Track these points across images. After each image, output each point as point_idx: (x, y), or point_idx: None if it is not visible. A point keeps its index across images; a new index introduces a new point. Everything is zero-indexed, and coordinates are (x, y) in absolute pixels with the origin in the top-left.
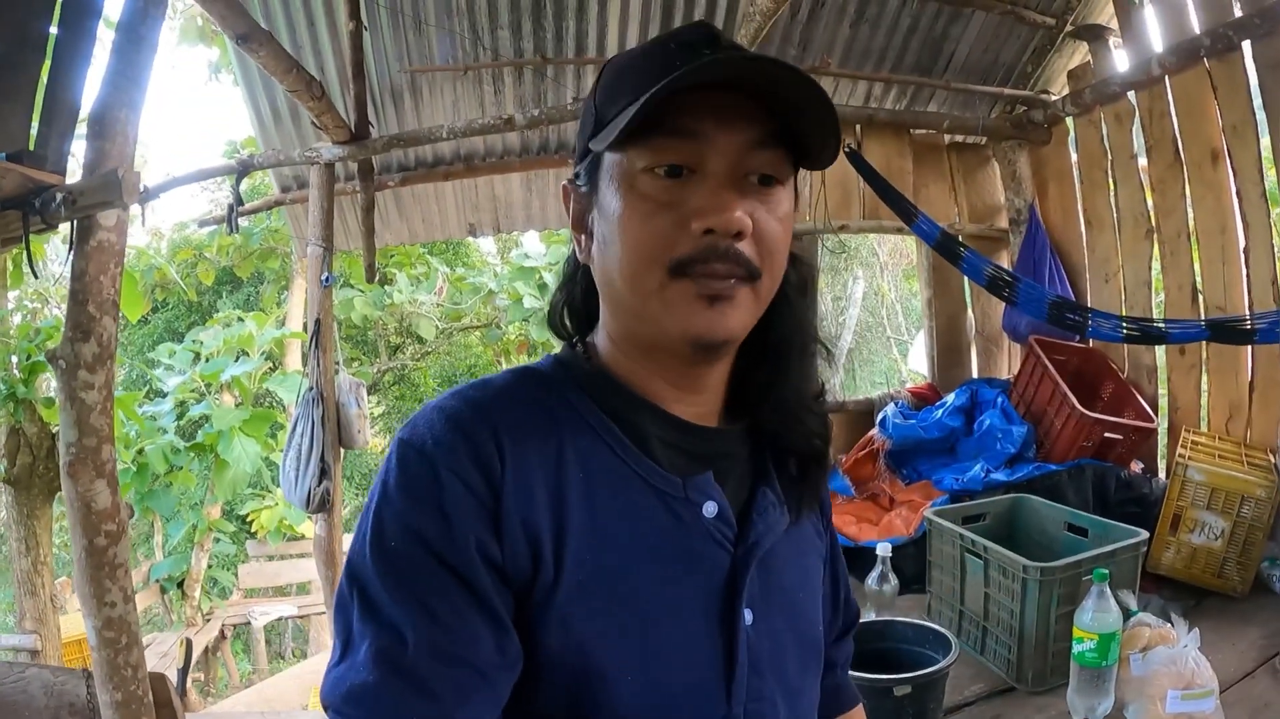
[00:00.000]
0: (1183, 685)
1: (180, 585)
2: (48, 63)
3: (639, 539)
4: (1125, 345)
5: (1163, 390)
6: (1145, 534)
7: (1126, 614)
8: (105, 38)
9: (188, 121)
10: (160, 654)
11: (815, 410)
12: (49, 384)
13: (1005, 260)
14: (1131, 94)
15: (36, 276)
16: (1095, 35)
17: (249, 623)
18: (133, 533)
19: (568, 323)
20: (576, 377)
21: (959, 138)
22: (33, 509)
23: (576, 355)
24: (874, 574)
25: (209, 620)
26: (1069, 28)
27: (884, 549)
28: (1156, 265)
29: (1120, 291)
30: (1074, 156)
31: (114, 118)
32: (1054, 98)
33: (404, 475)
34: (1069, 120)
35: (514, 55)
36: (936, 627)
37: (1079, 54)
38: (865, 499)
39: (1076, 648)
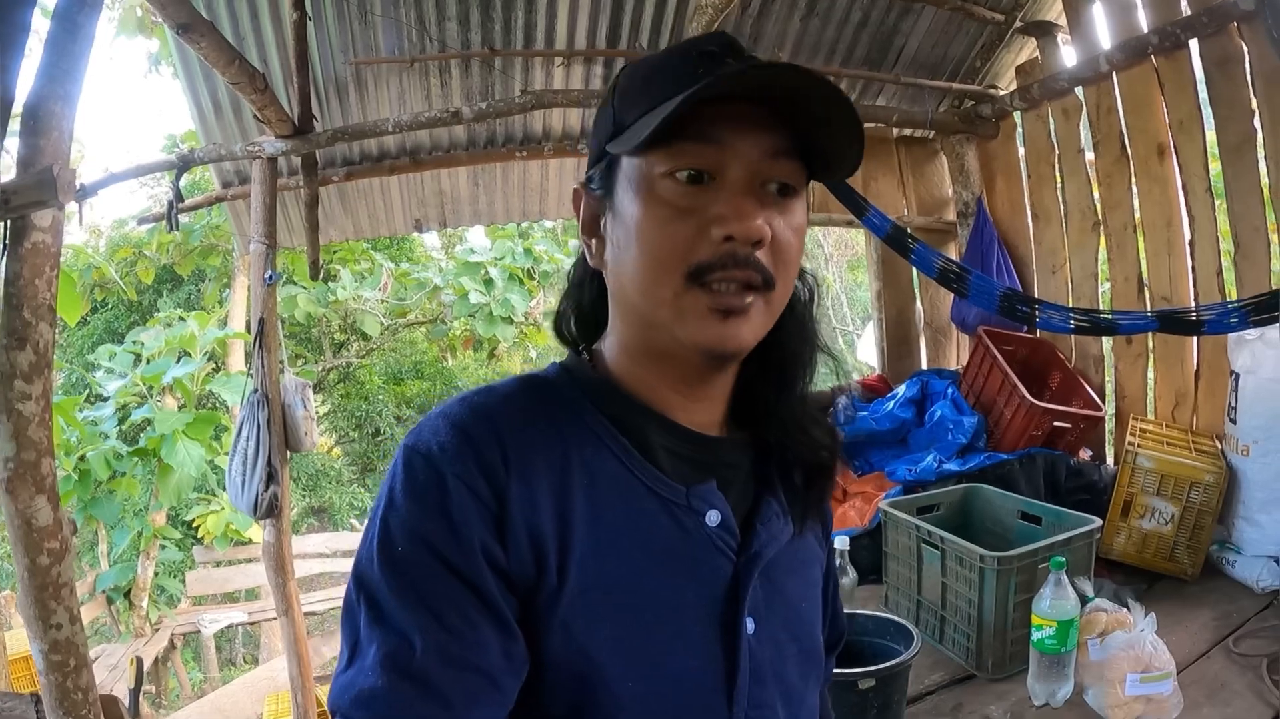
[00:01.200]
0: (1141, 668)
1: (127, 595)
2: None
3: (642, 546)
4: (1073, 336)
5: (1109, 379)
6: (1099, 521)
7: (1083, 600)
8: (40, 28)
9: (126, 115)
10: (110, 667)
11: (822, 421)
12: None
13: (953, 252)
14: (1079, 90)
15: None
16: (1044, 31)
17: (199, 631)
18: (77, 542)
19: (574, 330)
20: (583, 384)
21: (907, 132)
22: None
23: (582, 363)
24: None
25: (158, 630)
26: (1018, 24)
27: (841, 542)
28: (1103, 257)
29: (1067, 283)
30: (1021, 151)
31: (48, 112)
32: (1002, 93)
33: (410, 482)
34: (1016, 115)
35: (461, 47)
36: (897, 618)
37: (1027, 50)
38: None
39: (1035, 635)
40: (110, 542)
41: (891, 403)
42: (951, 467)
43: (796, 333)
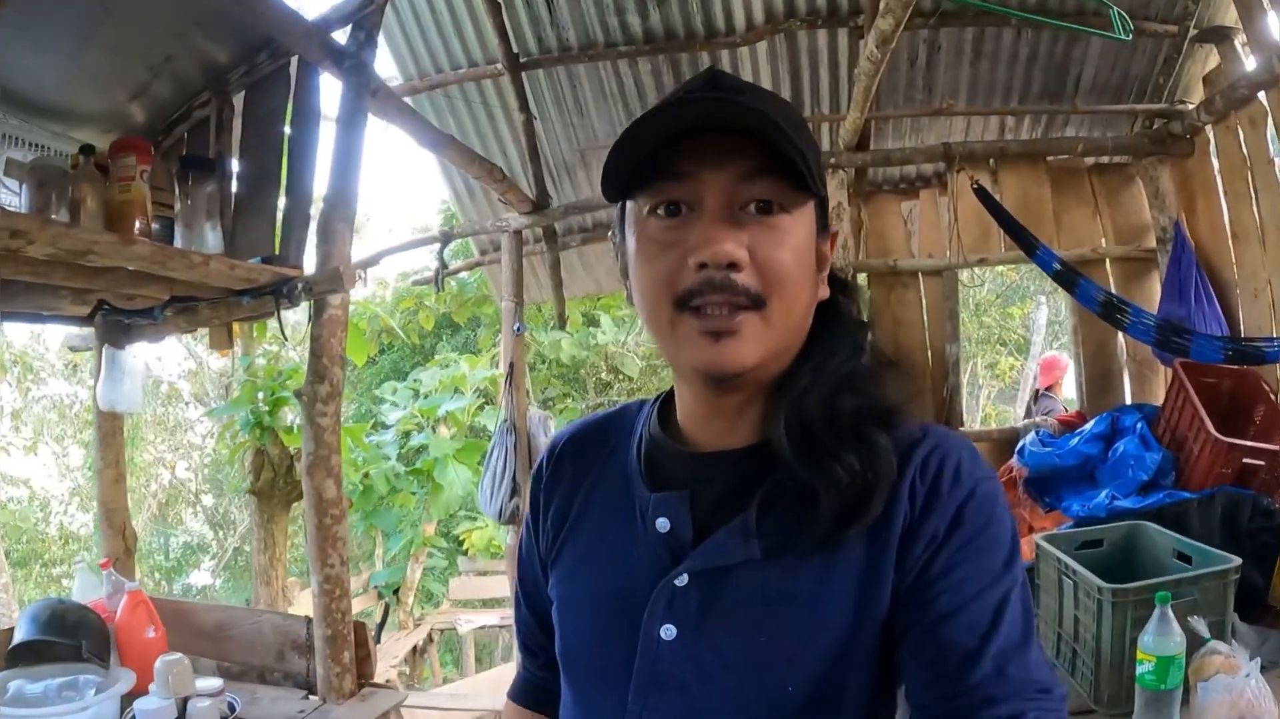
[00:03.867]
0: (1237, 715)
1: (396, 593)
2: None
3: (603, 539)
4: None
5: None
6: (1237, 561)
7: (1200, 641)
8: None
9: (407, 185)
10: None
11: (859, 448)
12: (289, 415)
13: (1155, 282)
14: (1262, 94)
15: (286, 339)
16: (1221, 37)
17: (455, 629)
18: (357, 550)
19: None
20: (653, 405)
21: (1102, 159)
22: (272, 515)
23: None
24: None
25: (419, 624)
26: (1192, 32)
27: None
28: None
29: (1270, 307)
30: (1216, 166)
31: (333, 229)
32: (1191, 107)
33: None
34: (1209, 129)
35: None
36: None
37: (1214, 59)
38: None
39: (1139, 669)
40: (386, 547)
41: (1077, 438)
42: (1125, 504)
43: (823, 349)
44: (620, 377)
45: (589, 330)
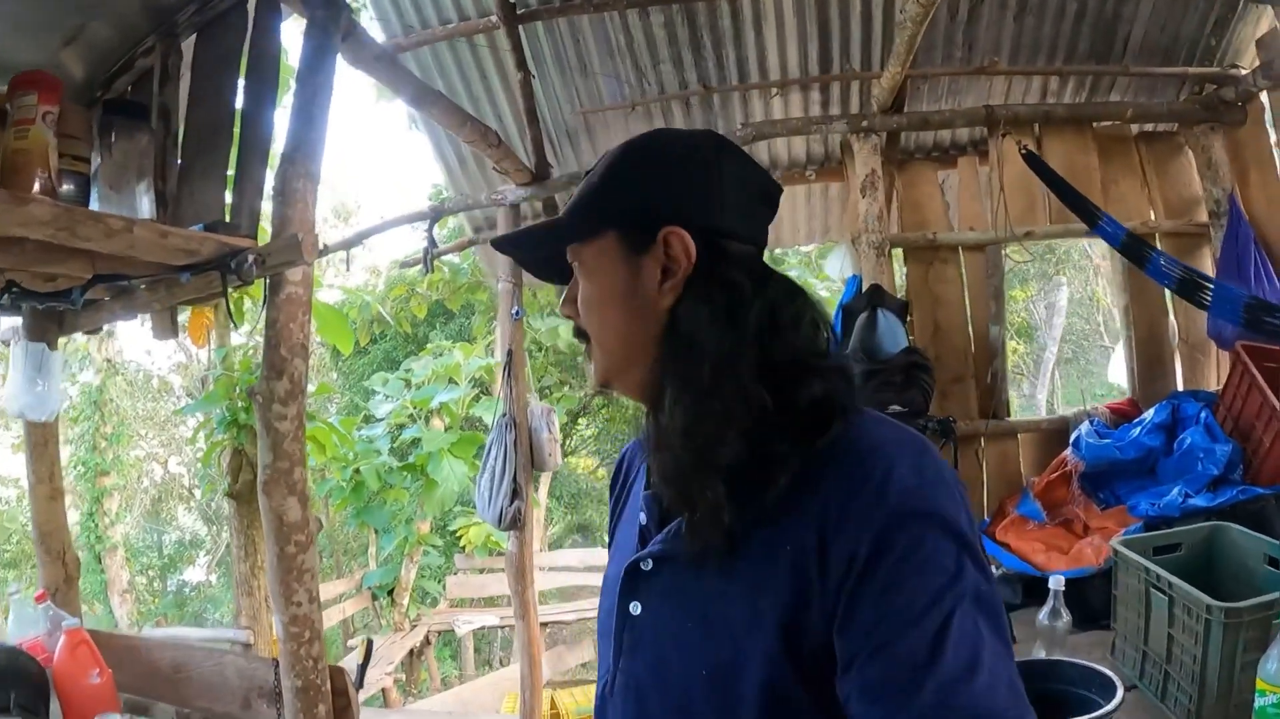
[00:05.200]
0: None
1: (390, 593)
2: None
3: (625, 529)
4: None
5: None
6: None
7: None
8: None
9: (395, 166)
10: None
11: (671, 449)
12: None
13: (1208, 258)
14: None
15: (237, 327)
16: None
17: (454, 630)
18: (352, 546)
19: None
20: None
21: (1147, 127)
22: (252, 520)
23: None
24: (1046, 609)
25: (415, 626)
26: None
27: (1056, 582)
28: None
29: None
30: (1274, 136)
31: (293, 188)
32: (1244, 72)
33: None
34: (1263, 96)
35: (678, 88)
36: (1104, 669)
37: (1267, 20)
38: (1057, 525)
39: (1259, 702)
40: (379, 545)
41: (1138, 429)
42: (1199, 502)
43: (667, 364)
44: None
45: None
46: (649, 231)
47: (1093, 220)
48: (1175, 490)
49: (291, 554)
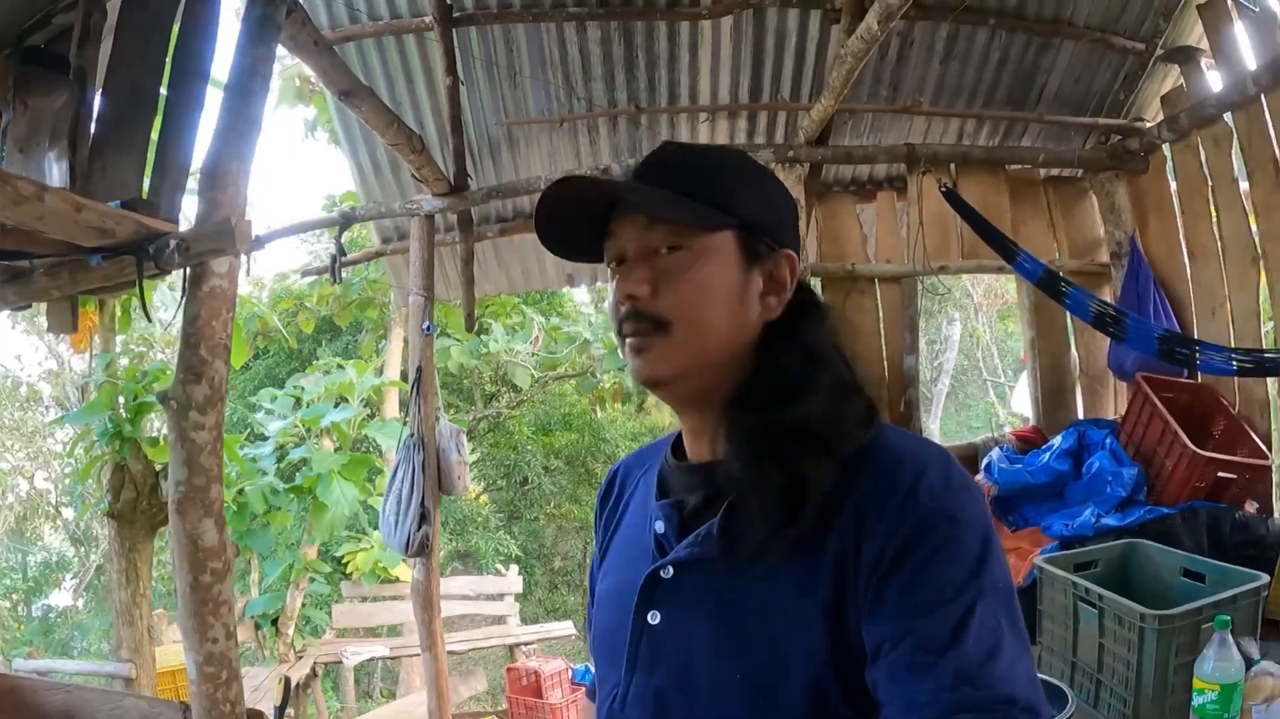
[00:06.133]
0: None
1: (274, 622)
2: (159, 119)
3: (627, 543)
4: (1236, 380)
5: (1275, 426)
6: (1266, 578)
7: (1248, 663)
8: (213, 98)
9: (286, 178)
10: (252, 688)
11: (794, 458)
12: (154, 424)
13: (1108, 296)
14: (1228, 115)
15: (150, 320)
16: (1187, 57)
17: (340, 661)
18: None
19: None
20: (677, 433)
21: (1055, 171)
22: (134, 543)
23: None
24: None
25: (301, 657)
26: (1159, 51)
27: None
28: (1264, 294)
29: (1228, 323)
30: (1174, 185)
31: (225, 169)
32: (1149, 125)
33: None
34: (1166, 148)
35: (608, 106)
36: (1052, 679)
37: (1171, 78)
38: None
39: (1197, 700)
40: (262, 571)
41: (1047, 455)
42: (1110, 521)
43: (767, 369)
44: (506, 388)
45: (480, 338)
46: (768, 246)
47: (1011, 257)
48: (1088, 511)
49: (207, 584)
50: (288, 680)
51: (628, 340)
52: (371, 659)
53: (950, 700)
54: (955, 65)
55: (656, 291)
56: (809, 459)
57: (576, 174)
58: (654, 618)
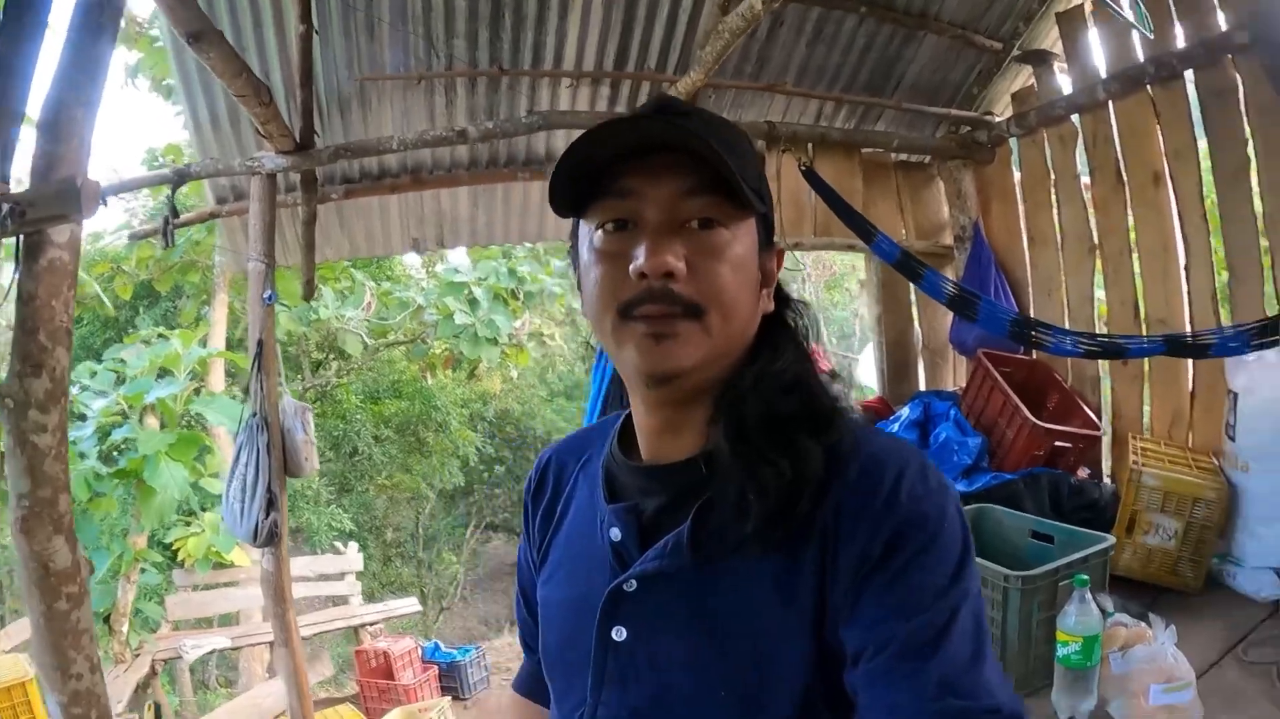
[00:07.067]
0: (1163, 680)
1: (106, 620)
2: None
3: (573, 547)
4: (1069, 358)
5: (1104, 399)
6: (1112, 539)
7: (1104, 615)
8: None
9: (102, 128)
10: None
11: (794, 446)
12: None
13: (950, 275)
14: (1075, 117)
15: None
16: (1040, 60)
17: (180, 657)
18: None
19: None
20: (618, 422)
21: (905, 156)
22: None
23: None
24: None
25: (138, 656)
26: (1016, 52)
27: None
28: (1098, 280)
29: (1063, 305)
30: (1017, 176)
31: (69, 117)
32: (998, 119)
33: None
34: (1012, 141)
35: (469, 65)
36: None
37: (1023, 77)
38: None
39: (1061, 651)
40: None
41: (896, 425)
42: (959, 487)
43: (766, 357)
44: (335, 355)
45: (308, 304)
46: (769, 235)
47: (869, 238)
48: None
49: (64, 611)
50: (157, 706)
51: (646, 322)
52: (216, 651)
53: (933, 711)
54: (821, 48)
55: (694, 271)
56: (808, 448)
57: (622, 116)
58: (619, 634)
